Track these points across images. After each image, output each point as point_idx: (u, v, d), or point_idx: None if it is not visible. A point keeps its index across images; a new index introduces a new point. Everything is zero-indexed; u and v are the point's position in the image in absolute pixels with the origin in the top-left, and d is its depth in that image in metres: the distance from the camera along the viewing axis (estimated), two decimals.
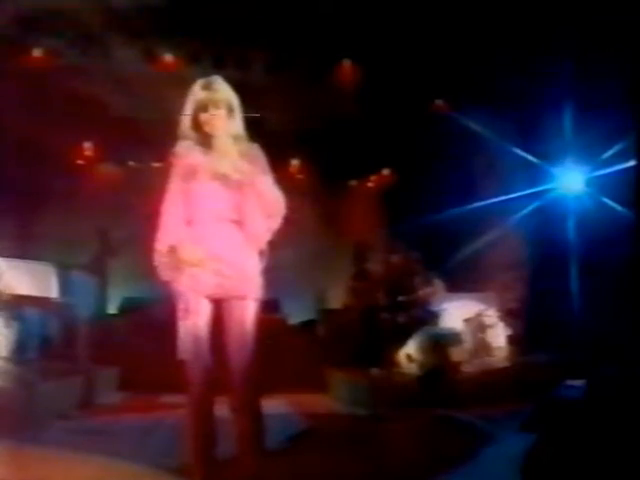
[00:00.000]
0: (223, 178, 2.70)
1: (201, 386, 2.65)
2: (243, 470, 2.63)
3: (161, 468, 3.21)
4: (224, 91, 2.74)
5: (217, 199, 2.71)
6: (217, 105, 2.70)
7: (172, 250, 2.66)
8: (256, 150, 2.77)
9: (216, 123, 2.70)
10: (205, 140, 2.73)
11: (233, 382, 2.66)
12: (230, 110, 2.73)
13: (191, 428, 2.67)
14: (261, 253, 2.77)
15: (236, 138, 2.75)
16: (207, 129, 2.71)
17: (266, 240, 2.76)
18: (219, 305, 2.73)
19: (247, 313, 2.69)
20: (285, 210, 2.76)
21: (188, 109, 2.73)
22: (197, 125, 2.72)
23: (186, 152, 2.75)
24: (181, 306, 2.67)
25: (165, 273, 2.71)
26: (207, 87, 2.72)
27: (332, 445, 4.01)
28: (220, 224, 2.71)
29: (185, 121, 2.74)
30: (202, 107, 2.70)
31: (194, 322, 2.66)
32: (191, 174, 2.72)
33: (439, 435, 4.20)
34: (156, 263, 2.71)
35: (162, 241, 2.70)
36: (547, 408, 3.41)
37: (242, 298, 2.69)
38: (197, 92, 2.72)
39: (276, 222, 2.75)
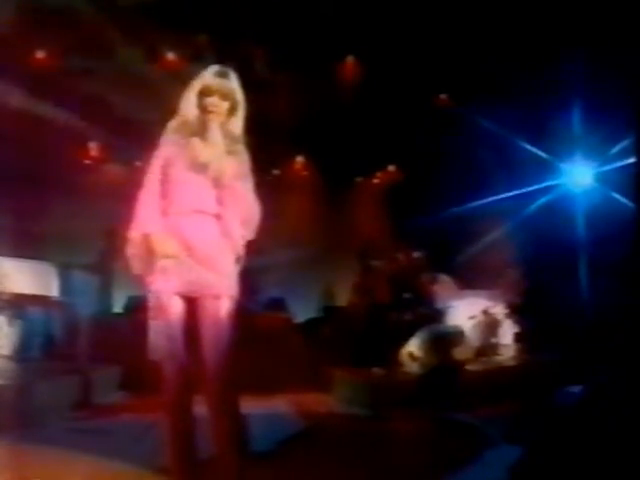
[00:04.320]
0: (202, 168, 2.64)
1: (178, 386, 2.60)
2: (223, 470, 2.58)
3: (159, 468, 3.17)
4: (235, 85, 2.72)
5: (195, 189, 2.65)
6: (224, 96, 2.68)
7: (145, 239, 2.59)
8: (244, 156, 2.72)
9: (217, 112, 2.67)
10: (199, 125, 2.68)
11: (209, 381, 2.61)
12: (234, 106, 2.70)
13: (170, 428, 2.62)
14: (237, 259, 2.71)
15: (231, 137, 2.70)
16: (205, 115, 2.67)
17: (240, 247, 2.70)
18: (193, 303, 2.66)
19: (222, 311, 2.63)
20: (259, 221, 2.70)
21: (193, 91, 2.68)
22: (199, 108, 2.68)
23: (171, 137, 2.70)
24: (152, 304, 2.61)
25: (137, 266, 2.64)
26: (220, 75, 2.69)
27: (331, 446, 3.97)
28: (197, 216, 2.65)
29: (190, 100, 2.68)
30: (209, 93, 2.66)
31: (167, 320, 2.60)
32: (172, 161, 2.66)
33: (440, 436, 4.15)
34: (128, 254, 2.65)
35: (135, 229, 2.64)
36: (539, 417, 3.32)
37: (216, 296, 2.63)
38: (208, 77, 2.69)
39: (250, 232, 2.70)
